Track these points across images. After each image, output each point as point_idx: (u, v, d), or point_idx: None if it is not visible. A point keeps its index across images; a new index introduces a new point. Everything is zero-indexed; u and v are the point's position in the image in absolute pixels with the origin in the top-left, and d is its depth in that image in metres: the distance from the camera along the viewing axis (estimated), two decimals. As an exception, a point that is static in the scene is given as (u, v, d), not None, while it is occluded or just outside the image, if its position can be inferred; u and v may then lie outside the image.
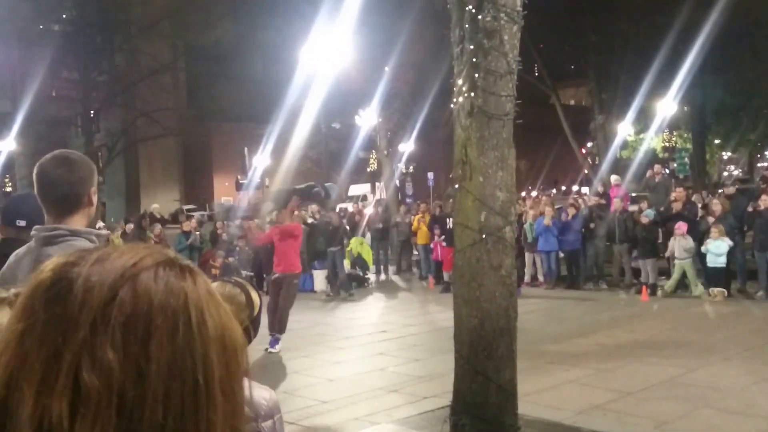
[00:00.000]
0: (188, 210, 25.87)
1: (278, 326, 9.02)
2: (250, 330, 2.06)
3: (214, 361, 0.75)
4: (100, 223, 16.18)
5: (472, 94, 5.01)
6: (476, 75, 4.96)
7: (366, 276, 16.39)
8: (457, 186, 5.19)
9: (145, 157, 32.69)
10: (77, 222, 2.34)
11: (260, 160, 24.12)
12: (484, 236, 4.96)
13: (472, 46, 4.96)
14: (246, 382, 0.83)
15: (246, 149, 23.40)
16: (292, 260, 9.46)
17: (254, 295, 2.21)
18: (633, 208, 14.61)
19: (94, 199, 2.39)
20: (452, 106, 5.27)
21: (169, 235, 17.22)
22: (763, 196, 12.67)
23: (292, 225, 9.98)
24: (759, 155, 40.91)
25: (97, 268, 0.74)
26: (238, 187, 24.28)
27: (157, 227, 17.23)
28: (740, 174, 40.20)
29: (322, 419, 6.20)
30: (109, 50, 25.47)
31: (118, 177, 31.25)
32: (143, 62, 25.68)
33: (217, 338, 0.76)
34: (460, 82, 5.10)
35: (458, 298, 5.13)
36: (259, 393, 1.86)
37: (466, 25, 4.93)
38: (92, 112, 25.06)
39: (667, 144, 38.09)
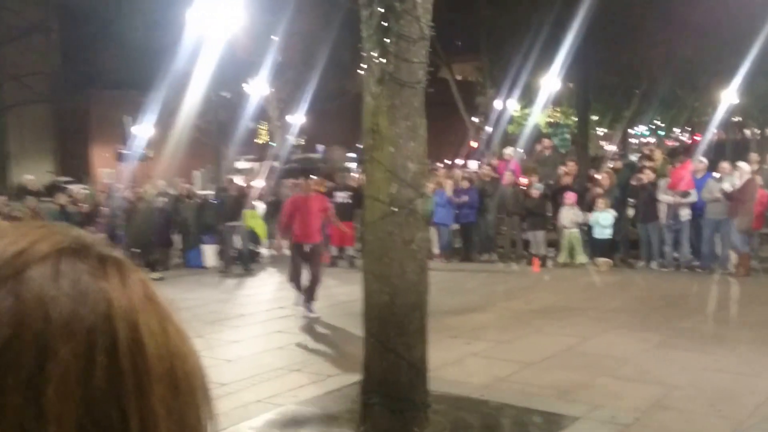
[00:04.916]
0: (65, 182, 24.26)
1: (311, 295, 9.35)
2: None
3: (159, 413, 0.46)
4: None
5: (383, 60, 4.77)
6: (387, 40, 4.73)
7: (259, 250, 15.94)
8: (366, 156, 4.97)
9: (15, 125, 30.23)
10: None
11: (143, 130, 22.82)
12: (395, 209, 4.78)
13: (382, 9, 4.72)
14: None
15: (129, 118, 22.04)
16: (318, 230, 9.70)
17: None
18: (524, 180, 14.95)
19: None
20: (361, 72, 5.03)
21: (45, 209, 16.02)
22: (646, 171, 13.30)
23: (319, 196, 10.26)
24: (631, 131, 43.18)
25: None
26: (119, 158, 22.91)
27: (31, 200, 16.00)
28: (616, 149, 42.24)
29: (223, 403, 5.86)
30: (-30, 7, 23.22)
31: (-17, 146, 28.84)
32: (11, 21, 23.67)
33: (162, 373, 0.48)
34: (369, 47, 4.85)
35: (368, 273, 4.93)
36: None
37: (377, -13, 4.68)
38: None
39: (551, 120, 39.41)
